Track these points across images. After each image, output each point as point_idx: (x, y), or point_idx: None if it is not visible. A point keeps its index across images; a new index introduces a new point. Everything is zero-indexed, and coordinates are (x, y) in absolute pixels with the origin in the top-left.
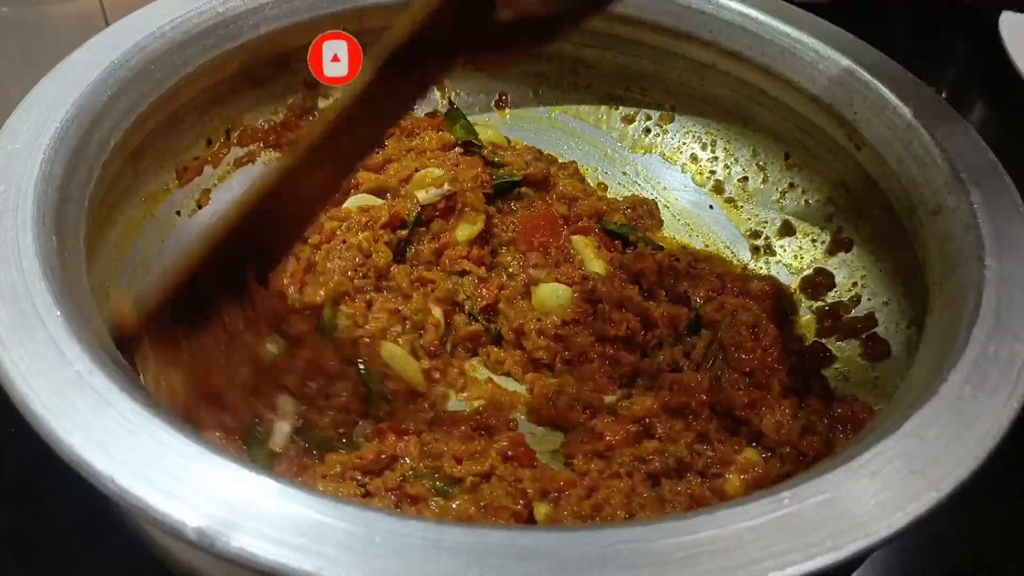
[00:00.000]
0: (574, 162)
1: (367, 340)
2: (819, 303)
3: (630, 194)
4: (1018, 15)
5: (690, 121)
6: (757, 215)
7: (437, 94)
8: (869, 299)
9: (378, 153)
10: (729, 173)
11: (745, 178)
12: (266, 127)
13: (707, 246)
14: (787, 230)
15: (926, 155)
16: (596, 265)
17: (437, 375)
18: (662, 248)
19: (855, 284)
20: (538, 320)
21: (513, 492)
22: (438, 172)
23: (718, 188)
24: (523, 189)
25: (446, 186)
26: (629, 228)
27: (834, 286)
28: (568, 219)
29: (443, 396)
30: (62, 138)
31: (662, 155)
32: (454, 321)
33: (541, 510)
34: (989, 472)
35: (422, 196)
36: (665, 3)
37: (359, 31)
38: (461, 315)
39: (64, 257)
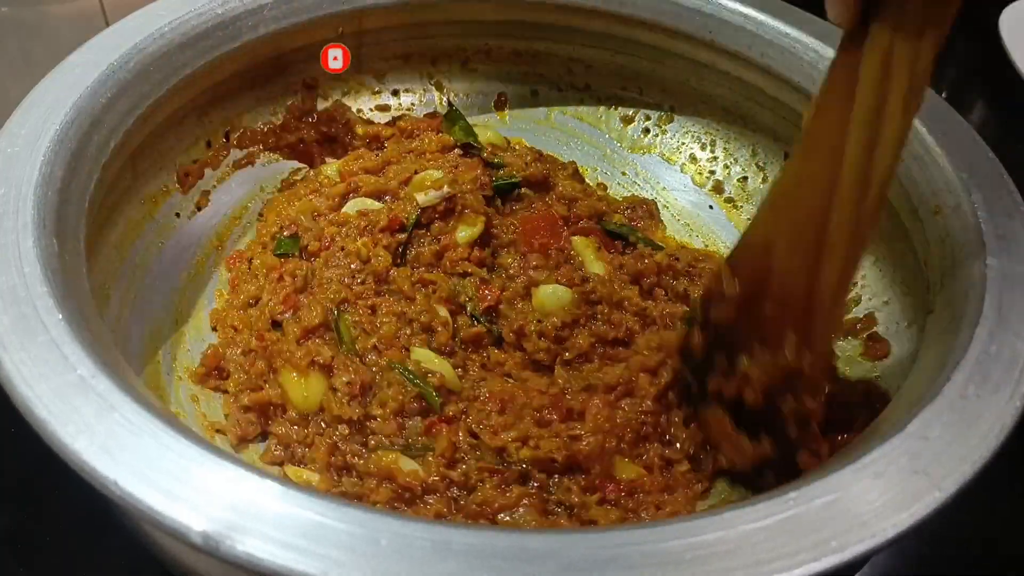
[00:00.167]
0: (574, 162)
1: (395, 349)
2: None
3: (630, 194)
4: (1018, 15)
5: (689, 121)
6: None
7: (436, 95)
8: (869, 299)
9: (377, 155)
10: (729, 173)
11: (745, 178)
12: (265, 129)
13: (707, 246)
14: None
15: (926, 155)
16: (596, 266)
17: (459, 371)
18: (662, 248)
19: (855, 284)
20: (538, 321)
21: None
22: (437, 174)
23: (718, 188)
24: (523, 190)
25: (446, 188)
26: (629, 228)
27: None
28: (568, 220)
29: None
30: (61, 140)
31: (661, 155)
32: (457, 323)
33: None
34: (992, 471)
35: (422, 199)
36: (664, 3)
37: (359, 31)
38: (464, 317)
39: (64, 260)
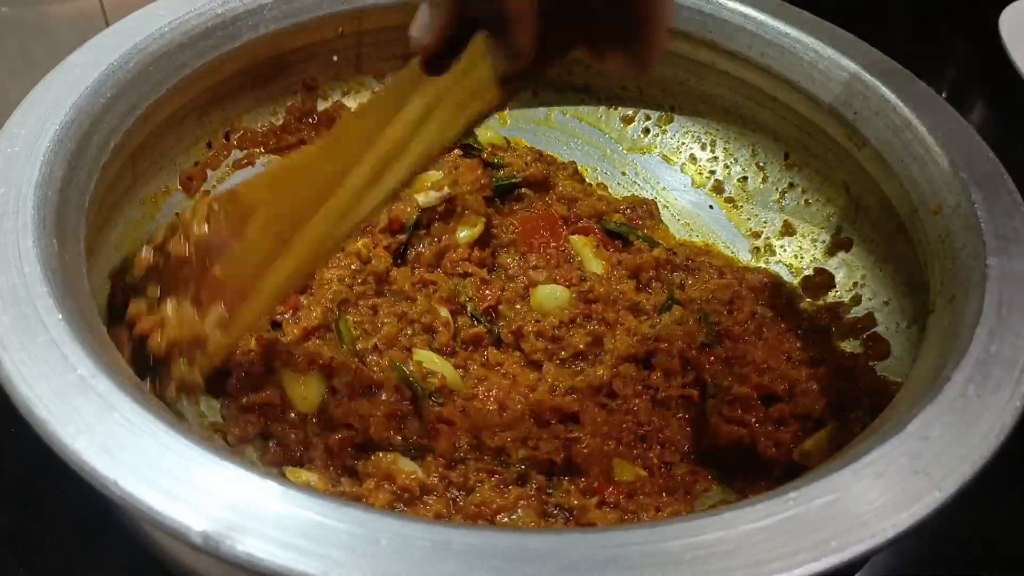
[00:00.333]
0: (573, 162)
1: (396, 349)
2: (819, 303)
3: (629, 194)
4: (1018, 15)
5: (689, 121)
6: (757, 215)
7: None
8: (869, 299)
9: None
10: (729, 173)
11: (745, 178)
12: (265, 130)
13: (707, 246)
14: (787, 230)
15: (926, 155)
16: (595, 265)
17: (462, 372)
18: (660, 246)
19: (855, 284)
20: (536, 321)
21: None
22: (437, 175)
23: (718, 188)
24: (523, 190)
25: (446, 189)
26: (629, 228)
27: (834, 286)
28: (568, 220)
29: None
30: (61, 140)
31: (661, 155)
32: (458, 323)
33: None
34: (992, 471)
35: (422, 199)
36: None
37: (359, 32)
38: (464, 317)
39: (64, 260)
